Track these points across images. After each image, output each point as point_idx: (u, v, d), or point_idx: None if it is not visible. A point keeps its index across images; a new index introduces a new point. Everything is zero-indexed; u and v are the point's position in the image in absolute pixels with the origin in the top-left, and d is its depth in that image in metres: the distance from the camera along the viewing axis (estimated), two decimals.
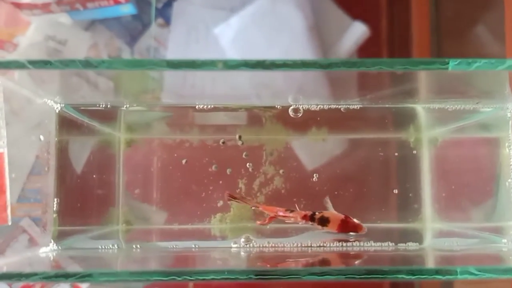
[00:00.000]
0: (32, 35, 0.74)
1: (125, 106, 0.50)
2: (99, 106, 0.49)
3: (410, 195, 0.51)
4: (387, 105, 0.50)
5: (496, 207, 0.49)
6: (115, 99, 0.49)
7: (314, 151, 0.51)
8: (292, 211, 0.48)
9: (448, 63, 0.34)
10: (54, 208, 0.47)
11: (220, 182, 0.51)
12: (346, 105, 0.49)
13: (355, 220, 0.47)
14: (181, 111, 0.51)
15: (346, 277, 0.33)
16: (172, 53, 0.72)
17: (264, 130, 0.51)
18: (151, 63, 0.35)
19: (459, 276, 0.33)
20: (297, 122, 0.50)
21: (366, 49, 0.71)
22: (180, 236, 0.50)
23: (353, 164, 0.52)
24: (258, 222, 0.49)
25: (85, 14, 0.73)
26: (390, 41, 0.74)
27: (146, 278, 0.33)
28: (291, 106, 0.50)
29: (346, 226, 0.47)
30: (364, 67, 0.34)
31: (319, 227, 0.47)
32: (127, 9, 0.74)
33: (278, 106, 0.50)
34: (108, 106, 0.49)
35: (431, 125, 0.51)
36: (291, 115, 0.50)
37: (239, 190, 0.51)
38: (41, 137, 0.46)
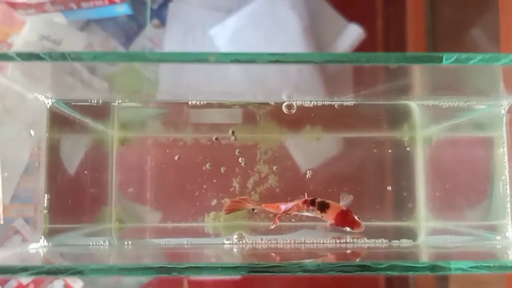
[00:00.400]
0: (26, 35, 0.74)
1: (117, 101, 0.49)
2: (91, 102, 0.48)
3: (405, 194, 0.51)
4: (381, 102, 0.50)
5: (491, 206, 0.49)
6: (108, 95, 0.49)
7: (309, 153, 0.51)
8: (292, 201, 0.48)
9: (442, 58, 0.34)
10: (45, 204, 0.47)
11: (214, 180, 0.51)
12: (340, 101, 0.49)
13: (355, 217, 0.47)
14: (175, 108, 0.51)
15: (339, 272, 0.33)
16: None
17: (258, 129, 0.51)
18: (144, 56, 0.35)
19: (452, 272, 0.32)
20: (291, 119, 0.50)
21: (362, 51, 0.71)
22: (173, 234, 0.50)
23: (348, 163, 0.52)
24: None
25: (80, 13, 0.73)
26: (385, 42, 0.74)
27: (138, 274, 0.33)
28: (285, 102, 0.50)
29: (344, 219, 0.46)
30: (358, 62, 0.34)
31: (318, 212, 0.46)
32: (122, 9, 0.74)
33: (272, 103, 0.50)
34: (100, 102, 0.49)
35: (426, 123, 0.51)
36: (285, 112, 0.50)
37: (233, 188, 0.50)
38: (32, 132, 0.46)
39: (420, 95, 0.49)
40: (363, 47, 0.72)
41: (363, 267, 0.33)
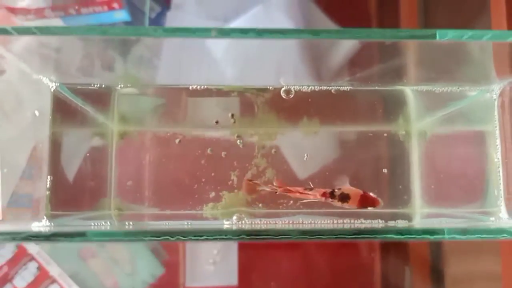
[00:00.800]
0: (26, 41, 0.75)
1: (119, 86, 0.50)
2: (94, 86, 0.49)
3: (400, 187, 0.52)
4: (376, 87, 0.51)
5: (486, 196, 0.50)
6: (111, 80, 0.50)
7: (305, 161, 0.52)
8: (311, 189, 0.48)
9: (435, 34, 0.35)
10: (48, 186, 0.48)
11: (213, 174, 0.51)
12: (336, 86, 0.50)
13: (372, 195, 0.47)
14: (174, 98, 0.52)
15: (337, 237, 0.33)
16: (166, 64, 0.73)
17: (256, 121, 0.52)
18: (147, 31, 0.36)
19: (446, 236, 0.33)
20: (290, 108, 0.51)
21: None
22: (172, 218, 0.50)
23: (344, 158, 0.53)
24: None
25: (79, 20, 0.74)
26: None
27: (140, 238, 0.33)
28: (283, 87, 0.51)
29: (365, 202, 0.47)
30: (354, 37, 0.36)
31: (339, 203, 0.47)
32: (121, 16, 0.75)
33: (271, 88, 0.51)
34: (103, 86, 0.50)
35: (420, 113, 0.52)
36: (283, 97, 0.51)
37: (231, 182, 0.51)
38: (36, 112, 0.47)
39: (414, 79, 0.50)
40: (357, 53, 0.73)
41: (360, 232, 0.34)
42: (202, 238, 0.33)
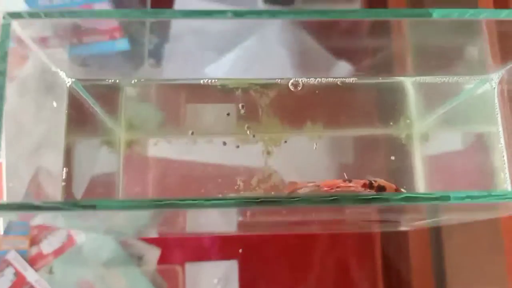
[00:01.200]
0: (30, 69, 0.77)
1: (133, 81, 0.52)
2: (108, 81, 0.51)
3: (404, 187, 0.52)
4: (380, 79, 0.53)
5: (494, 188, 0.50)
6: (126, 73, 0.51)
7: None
8: (350, 181, 0.48)
9: (432, 13, 0.37)
10: (63, 177, 0.48)
11: (219, 180, 0.52)
12: (341, 77, 0.52)
13: (403, 190, 0.49)
14: (175, 108, 0.54)
15: (358, 203, 0.34)
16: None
17: (261, 126, 0.53)
18: (165, 13, 0.38)
19: (452, 200, 0.34)
20: (297, 105, 0.52)
21: None
22: None
23: (349, 165, 0.53)
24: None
25: (81, 49, 0.75)
26: None
27: (153, 207, 0.34)
28: (291, 80, 0.52)
29: None
30: (353, 16, 0.38)
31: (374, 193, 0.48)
32: (122, 45, 0.76)
33: (278, 81, 0.53)
34: (117, 81, 0.51)
35: (421, 112, 0.53)
36: (292, 89, 0.52)
37: (237, 187, 0.52)
38: (54, 103, 0.48)
39: (413, 70, 0.51)
40: None
41: (378, 199, 0.34)
42: (215, 206, 0.33)
